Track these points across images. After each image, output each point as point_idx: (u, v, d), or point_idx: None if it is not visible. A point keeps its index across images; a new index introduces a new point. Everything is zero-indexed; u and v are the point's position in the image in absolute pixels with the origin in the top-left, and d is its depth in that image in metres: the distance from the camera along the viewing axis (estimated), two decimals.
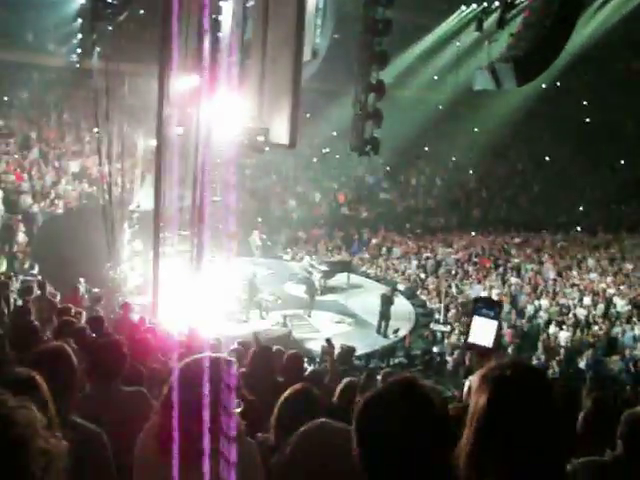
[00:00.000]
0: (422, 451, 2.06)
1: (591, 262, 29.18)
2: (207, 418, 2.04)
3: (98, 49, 21.80)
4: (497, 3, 26.77)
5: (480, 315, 2.98)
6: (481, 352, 3.01)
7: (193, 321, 11.48)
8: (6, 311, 9.79)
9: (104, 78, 20.76)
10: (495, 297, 23.97)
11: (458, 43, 35.38)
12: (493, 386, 2.11)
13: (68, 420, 3.22)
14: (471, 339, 2.99)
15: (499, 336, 3.00)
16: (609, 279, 26.25)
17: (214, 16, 15.22)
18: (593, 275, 27.00)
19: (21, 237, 23.56)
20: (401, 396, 2.16)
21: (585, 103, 41.78)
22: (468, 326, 3.06)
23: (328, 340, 7.18)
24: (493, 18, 24.98)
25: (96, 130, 22.97)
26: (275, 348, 7.77)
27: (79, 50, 28.79)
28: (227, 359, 2.41)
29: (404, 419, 2.09)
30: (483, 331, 2.96)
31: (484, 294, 24.45)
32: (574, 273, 27.27)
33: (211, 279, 18.51)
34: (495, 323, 2.97)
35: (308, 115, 31.49)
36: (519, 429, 2.04)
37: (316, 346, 18.60)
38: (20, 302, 11.66)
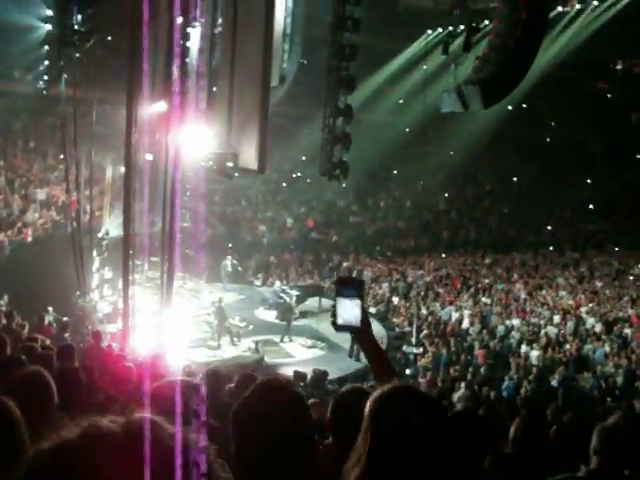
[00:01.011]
0: (287, 450, 2.17)
1: (561, 280, 29.42)
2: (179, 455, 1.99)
3: (65, 76, 21.71)
4: (462, 27, 27.24)
5: (342, 297, 3.00)
6: (354, 332, 3.06)
7: (158, 348, 11.39)
8: None
9: (72, 105, 20.66)
10: (467, 318, 24.09)
11: (425, 66, 35.69)
12: (371, 418, 2.17)
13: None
14: (340, 321, 2.99)
15: (365, 313, 2.99)
16: (579, 297, 26.46)
17: (182, 42, 15.22)
18: (563, 293, 27.20)
19: None
20: (267, 398, 2.29)
21: (552, 124, 42.37)
22: (334, 308, 3.05)
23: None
24: (459, 41, 25.40)
25: (63, 157, 22.84)
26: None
27: (46, 77, 28.64)
28: (195, 384, 2.39)
29: (269, 418, 2.20)
30: (349, 312, 2.97)
31: (455, 315, 24.54)
32: (544, 292, 27.45)
33: (181, 305, 18.41)
34: (358, 302, 2.98)
35: (276, 140, 31.57)
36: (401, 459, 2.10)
37: (289, 371, 18.50)
38: None
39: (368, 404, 2.24)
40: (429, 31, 35.69)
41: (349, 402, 3.15)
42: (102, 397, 5.48)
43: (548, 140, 42.36)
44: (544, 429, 5.30)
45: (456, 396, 16.34)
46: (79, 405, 4.49)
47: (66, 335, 14.77)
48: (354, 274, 31.16)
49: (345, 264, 32.44)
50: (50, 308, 17.02)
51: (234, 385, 6.56)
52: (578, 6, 29.81)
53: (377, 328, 24.28)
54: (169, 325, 14.73)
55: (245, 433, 2.22)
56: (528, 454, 4.59)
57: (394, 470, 2.09)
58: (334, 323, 3.02)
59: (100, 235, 24.23)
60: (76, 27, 18.70)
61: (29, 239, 26.47)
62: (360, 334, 3.06)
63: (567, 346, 21.35)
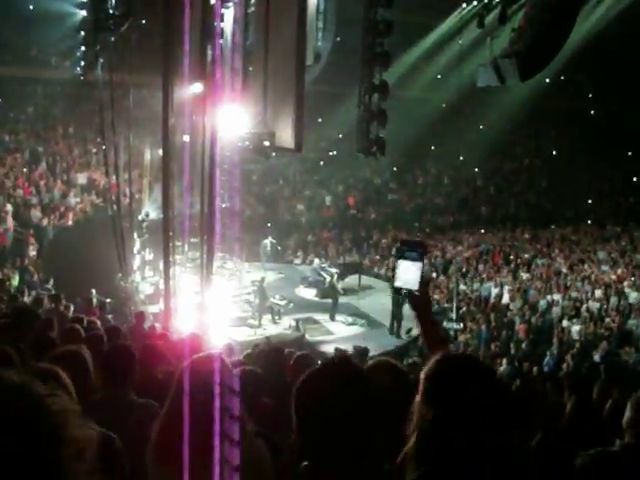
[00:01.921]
0: (356, 425, 2.17)
1: (602, 255, 29.07)
2: (216, 421, 2.06)
3: (101, 61, 21.90)
4: None
5: (404, 259, 2.96)
6: (409, 296, 2.99)
7: (199, 327, 11.52)
8: None
9: (108, 89, 20.86)
10: (507, 293, 23.97)
11: (460, 41, 35.33)
12: (428, 383, 2.19)
13: None
14: (397, 283, 2.97)
15: (425, 278, 2.97)
16: (620, 271, 26.13)
17: (216, 23, 15.24)
18: (604, 267, 26.88)
19: (32, 251, 23.67)
20: (336, 372, 2.28)
21: (590, 96, 41.69)
22: (394, 270, 3.02)
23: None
24: (494, 14, 25.04)
25: (101, 142, 23.09)
26: (287, 350, 7.77)
27: (83, 62, 28.90)
28: (231, 361, 2.42)
29: (339, 394, 2.19)
30: (408, 274, 2.93)
31: (495, 291, 24.44)
32: (585, 266, 27.16)
33: (222, 285, 18.54)
34: (419, 264, 2.93)
35: (312, 118, 31.53)
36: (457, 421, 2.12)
37: (330, 349, 18.61)
38: None
39: (425, 371, 2.26)
40: (464, 4, 35.25)
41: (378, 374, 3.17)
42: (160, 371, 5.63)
43: (586, 113, 41.69)
44: (595, 405, 5.27)
45: (498, 372, 16.33)
46: (135, 378, 4.61)
47: (109, 316, 15.03)
48: (392, 251, 31.19)
49: (384, 241, 32.44)
50: (93, 290, 17.31)
51: (292, 364, 6.59)
52: None
53: None
54: (210, 305, 14.86)
55: (309, 409, 2.22)
56: (582, 430, 4.56)
57: (451, 438, 2.11)
58: (392, 286, 3.02)
59: (140, 217, 24.52)
60: (111, 11, 18.86)
61: (69, 223, 26.85)
62: (416, 299, 3.02)
63: (609, 320, 21.16)
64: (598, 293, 23.45)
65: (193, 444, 2.09)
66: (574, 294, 23.63)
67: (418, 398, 2.22)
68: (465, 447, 2.09)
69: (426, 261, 2.99)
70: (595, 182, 40.04)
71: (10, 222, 24.51)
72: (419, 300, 3.00)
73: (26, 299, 16.14)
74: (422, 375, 2.26)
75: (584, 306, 22.34)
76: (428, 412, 2.16)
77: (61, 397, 1.51)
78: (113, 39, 20.19)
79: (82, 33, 27.43)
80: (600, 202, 38.62)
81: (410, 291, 2.95)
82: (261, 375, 4.76)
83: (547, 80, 34.49)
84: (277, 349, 7.07)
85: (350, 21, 24.95)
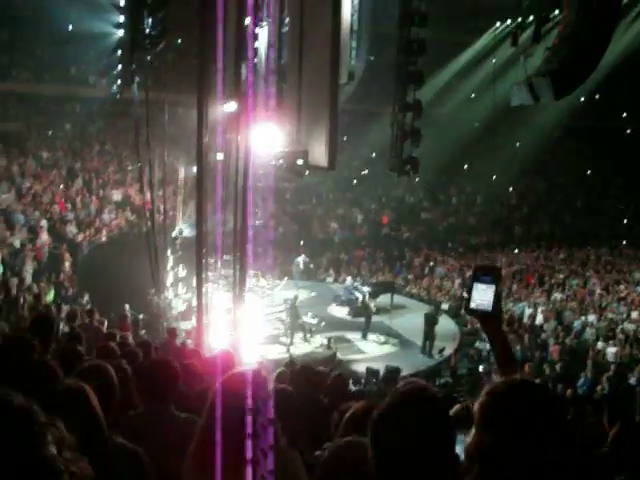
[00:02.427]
0: (436, 462, 2.13)
1: (638, 276, 28.69)
2: (249, 428, 2.08)
3: (138, 79, 22.16)
4: (532, 18, 26.81)
5: (479, 282, 3.04)
6: (483, 317, 3.04)
7: (232, 345, 11.56)
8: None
9: (144, 108, 21.10)
10: (540, 314, 23.71)
11: (494, 59, 35.29)
12: (487, 399, 2.17)
13: (106, 438, 3.27)
14: (472, 305, 3.03)
15: (498, 300, 3.01)
16: None
17: (250, 42, 15.38)
18: None
19: (67, 266, 23.93)
20: (414, 407, 2.23)
21: (624, 115, 41.35)
22: (469, 293, 3.08)
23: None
24: (528, 33, 24.98)
25: (138, 159, 23.34)
26: (319, 369, 7.75)
27: (119, 81, 29.30)
28: (263, 373, 2.44)
29: (418, 431, 2.15)
30: (483, 297, 3.01)
31: (529, 311, 24.20)
32: (621, 287, 26.82)
33: (254, 303, 18.57)
34: (493, 287, 3.01)
35: (346, 137, 31.63)
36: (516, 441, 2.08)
37: (362, 367, 18.55)
38: (67, 328, 11.83)
39: (484, 396, 2.23)
40: (497, 23, 35.26)
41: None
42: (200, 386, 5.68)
43: (621, 132, 41.33)
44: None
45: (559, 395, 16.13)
46: (176, 393, 4.64)
47: (142, 332, 15.14)
48: (426, 270, 31.06)
49: (416, 260, 32.34)
50: (127, 306, 17.41)
51: (328, 385, 6.55)
52: None
53: (449, 324, 24.19)
54: (242, 322, 14.90)
55: (386, 443, 2.18)
56: (627, 455, 4.50)
57: (510, 468, 2.08)
58: (467, 307, 3.06)
59: (174, 234, 24.68)
60: (147, 31, 19.09)
61: (104, 239, 27.13)
62: (490, 320, 3.05)
63: None
64: (634, 315, 23.12)
65: (227, 454, 2.12)
66: (610, 315, 23.32)
67: (476, 425, 2.20)
68: (528, 473, 2.07)
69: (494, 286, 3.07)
70: (631, 202, 39.63)
71: (46, 237, 24.82)
72: (493, 321, 3.04)
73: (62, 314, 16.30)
74: (481, 400, 2.24)
75: (619, 328, 22.03)
76: (487, 439, 2.14)
77: (59, 429, 1.51)
78: (149, 58, 20.43)
79: (119, 52, 27.80)
80: (636, 222, 38.19)
81: (485, 312, 3.03)
82: (293, 393, 4.76)
83: (582, 99, 34.29)
84: (308, 368, 7.05)
85: (384, 40, 25.09)
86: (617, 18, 15.32)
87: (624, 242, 35.67)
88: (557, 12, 24.90)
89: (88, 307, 16.58)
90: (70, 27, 32.93)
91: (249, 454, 2.03)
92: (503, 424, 2.11)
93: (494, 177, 39.70)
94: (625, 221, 38.48)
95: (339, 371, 9.73)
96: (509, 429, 2.09)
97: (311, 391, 6.32)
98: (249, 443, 2.05)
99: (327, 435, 4.48)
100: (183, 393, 5.32)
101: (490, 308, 2.99)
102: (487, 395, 2.22)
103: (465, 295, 3.17)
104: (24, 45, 33.35)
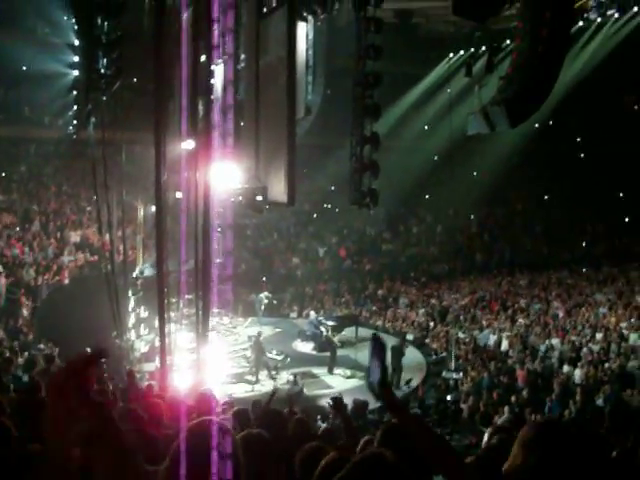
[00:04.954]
0: None
1: (599, 297, 28.97)
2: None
3: (94, 119, 22.02)
4: (484, 48, 27.27)
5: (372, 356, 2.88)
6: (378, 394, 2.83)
7: (201, 385, 11.35)
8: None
9: (101, 148, 20.93)
10: (505, 340, 23.77)
11: (449, 90, 35.71)
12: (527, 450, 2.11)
13: None
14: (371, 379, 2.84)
15: (385, 372, 2.74)
16: (619, 313, 25.97)
17: (206, 80, 15.36)
18: (602, 310, 26.73)
19: (25, 311, 23.50)
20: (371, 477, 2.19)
21: (578, 139, 42.12)
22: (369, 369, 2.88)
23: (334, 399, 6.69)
24: (481, 63, 25.38)
25: (95, 199, 23.09)
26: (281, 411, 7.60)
27: (75, 121, 29.10)
28: (225, 426, 2.36)
29: None
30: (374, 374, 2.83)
31: (494, 337, 24.24)
32: (583, 310, 27.03)
33: (218, 341, 18.36)
34: (377, 361, 2.84)
35: (305, 170, 31.66)
36: None
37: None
38: (25, 378, 11.54)
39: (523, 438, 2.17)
40: (451, 54, 35.71)
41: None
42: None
43: (577, 156, 42.03)
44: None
45: (500, 420, 16.10)
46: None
47: (105, 375, 14.83)
48: (389, 301, 31.05)
49: (380, 292, 32.33)
50: (88, 349, 17.09)
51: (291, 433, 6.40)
52: (599, 19, 29.54)
53: (415, 355, 24.13)
54: (207, 362, 14.70)
55: None
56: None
57: None
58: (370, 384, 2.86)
59: (135, 275, 24.40)
60: (102, 71, 19.00)
61: (65, 282, 26.73)
62: (382, 396, 2.84)
63: (609, 363, 20.96)
64: (598, 336, 23.27)
65: None
66: (573, 338, 23.45)
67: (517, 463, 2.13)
68: None
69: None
70: (589, 224, 40.18)
71: (3, 282, 24.36)
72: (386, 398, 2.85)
73: (20, 360, 15.94)
74: (520, 442, 2.16)
75: (584, 350, 22.13)
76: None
77: None
78: (105, 98, 20.31)
79: (74, 92, 27.68)
80: (595, 244, 38.70)
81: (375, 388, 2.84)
82: (268, 440, 4.64)
83: (536, 125, 34.81)
84: (276, 411, 6.91)
85: (339, 73, 25.25)
86: (568, 45, 15.59)
87: (584, 264, 36.04)
88: (508, 42, 25.43)
89: (46, 352, 16.26)
90: (24, 67, 32.65)
91: None
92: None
93: (454, 206, 40.01)
94: (584, 243, 38.96)
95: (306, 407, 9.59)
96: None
97: (280, 435, 6.19)
98: None
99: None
100: (151, 437, 5.16)
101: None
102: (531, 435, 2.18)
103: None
104: None
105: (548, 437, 2.06)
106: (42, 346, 19.66)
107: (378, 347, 2.91)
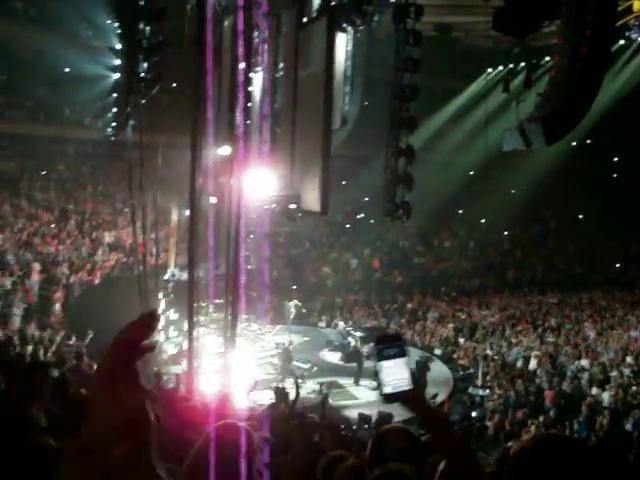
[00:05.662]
0: None
1: (632, 319, 28.62)
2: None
3: (132, 122, 22.26)
4: (523, 64, 27.13)
5: (385, 359, 2.58)
6: (405, 398, 2.53)
7: (226, 389, 11.41)
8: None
9: (138, 150, 21.15)
10: (534, 359, 23.56)
11: (486, 105, 35.56)
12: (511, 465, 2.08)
13: None
14: (388, 390, 2.52)
15: (414, 372, 2.43)
16: None
17: (244, 87, 15.47)
18: (634, 333, 26.41)
19: (57, 308, 23.77)
20: None
21: (615, 159, 41.72)
22: (376, 375, 2.54)
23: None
24: (520, 79, 25.26)
25: (130, 201, 23.33)
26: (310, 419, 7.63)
27: (114, 123, 29.44)
28: (262, 437, 2.32)
29: None
30: (396, 375, 2.52)
31: (523, 355, 24.04)
32: (614, 332, 26.73)
33: (246, 347, 18.42)
34: (403, 359, 2.53)
35: (339, 181, 31.71)
36: None
37: (354, 413, 18.35)
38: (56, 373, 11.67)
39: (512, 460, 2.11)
40: (489, 69, 35.59)
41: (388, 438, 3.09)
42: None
43: (612, 176, 41.64)
44: None
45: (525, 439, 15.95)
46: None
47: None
48: (418, 314, 30.93)
49: (409, 305, 32.23)
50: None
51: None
52: None
53: (442, 369, 24.00)
54: (233, 367, 14.76)
55: None
56: None
57: None
58: (384, 396, 2.53)
59: (166, 277, 24.57)
60: (142, 75, 19.23)
61: (97, 281, 27.00)
62: (413, 399, 2.56)
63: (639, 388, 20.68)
64: (629, 359, 22.99)
65: None
66: (603, 359, 23.19)
67: None
68: None
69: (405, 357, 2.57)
70: (623, 246, 39.73)
71: (36, 279, 24.69)
72: (417, 398, 2.59)
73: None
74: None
75: (614, 372, 21.88)
76: None
77: None
78: (144, 101, 20.54)
79: (114, 95, 28.01)
80: (629, 266, 38.24)
81: (406, 392, 2.52)
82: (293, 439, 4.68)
83: (573, 144, 34.52)
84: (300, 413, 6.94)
85: (377, 85, 25.28)
86: (607, 64, 15.48)
87: (617, 286, 35.63)
88: (547, 58, 25.29)
89: (75, 350, 16.43)
90: (67, 69, 33.15)
91: None
92: None
93: (487, 222, 39.78)
94: (617, 265, 38.52)
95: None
96: None
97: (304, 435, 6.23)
98: None
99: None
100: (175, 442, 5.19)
101: (410, 386, 2.52)
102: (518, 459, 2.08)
103: (376, 381, 2.47)
104: (21, 86, 33.51)
105: (545, 450, 2.05)
106: (70, 342, 19.87)
107: (396, 343, 2.62)
